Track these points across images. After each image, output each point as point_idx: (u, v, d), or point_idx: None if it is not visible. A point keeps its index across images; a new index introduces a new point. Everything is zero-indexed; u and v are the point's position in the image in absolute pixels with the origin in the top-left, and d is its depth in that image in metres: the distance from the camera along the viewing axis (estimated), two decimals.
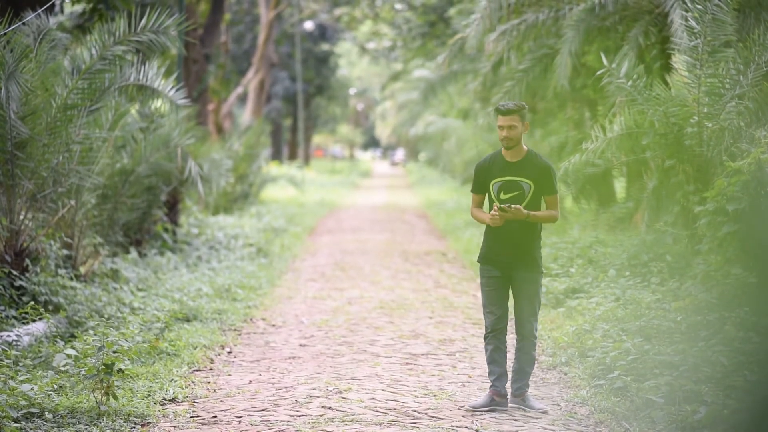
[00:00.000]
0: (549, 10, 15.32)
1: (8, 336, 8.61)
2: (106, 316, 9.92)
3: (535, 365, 8.44)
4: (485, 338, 7.37)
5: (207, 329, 10.22)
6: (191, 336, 9.71)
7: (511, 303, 7.39)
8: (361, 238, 21.45)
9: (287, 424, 6.80)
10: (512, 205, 7.12)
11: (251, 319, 11.20)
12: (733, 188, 8.37)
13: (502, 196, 7.24)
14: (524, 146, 7.29)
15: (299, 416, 7.03)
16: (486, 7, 15.45)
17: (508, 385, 7.42)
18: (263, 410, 7.21)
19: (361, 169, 70.27)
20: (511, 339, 7.68)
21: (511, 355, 7.62)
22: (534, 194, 7.23)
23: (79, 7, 18.79)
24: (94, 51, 10.81)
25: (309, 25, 53.79)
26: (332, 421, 6.87)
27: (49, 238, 11.19)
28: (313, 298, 12.83)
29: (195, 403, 7.41)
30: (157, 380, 7.93)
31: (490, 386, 7.31)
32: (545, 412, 7.17)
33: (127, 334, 8.94)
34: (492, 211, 7.23)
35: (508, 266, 7.27)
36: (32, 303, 9.38)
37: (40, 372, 7.83)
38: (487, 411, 7.20)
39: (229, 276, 13.74)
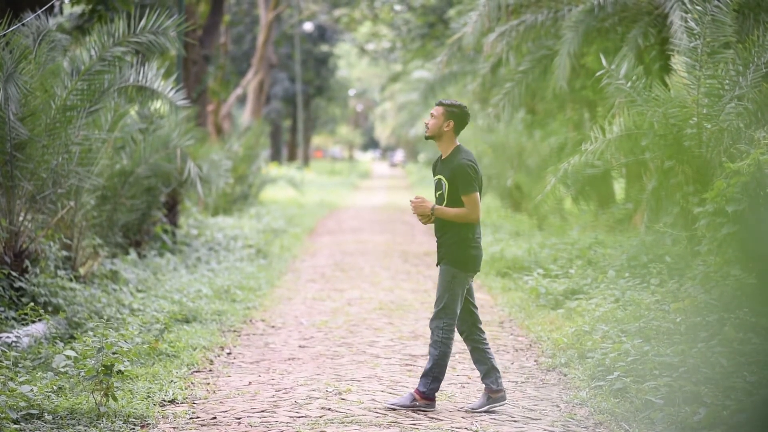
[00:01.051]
0: (548, 11, 15.32)
1: (8, 337, 8.61)
2: (105, 317, 9.92)
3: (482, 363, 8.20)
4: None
5: (206, 330, 10.21)
6: (191, 337, 9.71)
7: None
8: (361, 238, 21.45)
9: (287, 426, 6.80)
10: (415, 200, 7.27)
11: (251, 321, 11.19)
12: (732, 189, 8.36)
13: (436, 195, 7.37)
14: (455, 143, 7.35)
15: (299, 417, 7.03)
16: (485, 4, 15.47)
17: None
18: (263, 411, 7.21)
19: (361, 170, 70.25)
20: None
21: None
22: (450, 192, 7.26)
23: (78, 9, 18.78)
24: (93, 52, 10.80)
25: (308, 27, 53.76)
26: (332, 423, 6.87)
27: (49, 240, 11.18)
28: (313, 299, 12.83)
29: (194, 405, 7.41)
30: (156, 381, 7.93)
31: (484, 386, 7.33)
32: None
33: (127, 336, 8.94)
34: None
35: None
36: (32, 304, 9.37)
37: (39, 373, 7.82)
38: (486, 411, 7.20)
39: (229, 277, 13.73)
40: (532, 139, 21.84)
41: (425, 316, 11.45)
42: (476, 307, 7.40)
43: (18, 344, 8.59)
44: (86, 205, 12.11)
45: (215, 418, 7.03)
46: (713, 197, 8.60)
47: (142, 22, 10.83)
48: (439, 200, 7.30)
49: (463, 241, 7.23)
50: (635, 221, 13.09)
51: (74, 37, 16.45)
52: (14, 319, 9.41)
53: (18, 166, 10.27)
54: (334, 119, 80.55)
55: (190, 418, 7.01)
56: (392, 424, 6.84)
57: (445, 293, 7.23)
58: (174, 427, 6.79)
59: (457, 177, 7.21)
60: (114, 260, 12.74)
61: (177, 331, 9.98)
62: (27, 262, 10.30)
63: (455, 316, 7.24)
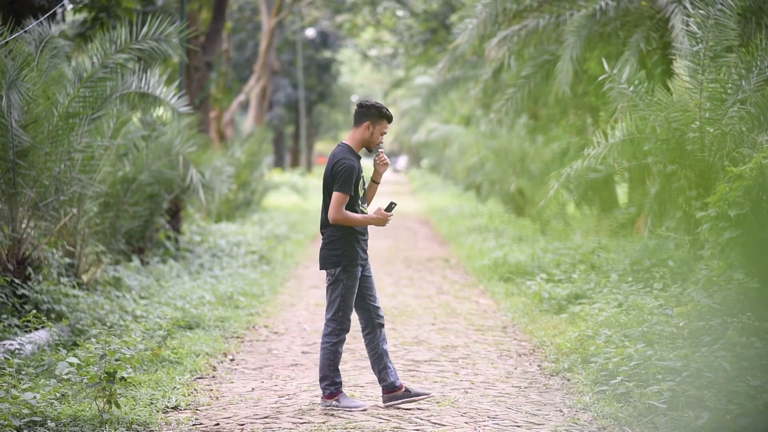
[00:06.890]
0: (550, 16, 15.34)
1: (11, 344, 8.61)
2: (108, 324, 9.92)
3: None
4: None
5: (209, 337, 10.21)
6: (194, 344, 9.71)
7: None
8: None
9: None
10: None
11: (254, 327, 11.19)
12: (735, 193, 8.37)
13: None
14: None
15: (302, 423, 7.03)
16: (481, 11, 15.50)
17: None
18: (266, 418, 7.20)
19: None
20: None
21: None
22: None
23: (80, 16, 18.80)
24: (95, 59, 10.82)
25: (311, 33, 53.83)
26: (335, 429, 6.86)
27: (52, 247, 11.19)
28: (316, 305, 12.82)
29: (198, 411, 7.40)
30: (159, 388, 7.92)
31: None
32: (365, 410, 7.39)
33: (130, 342, 8.92)
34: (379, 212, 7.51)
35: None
36: (34, 311, 9.37)
37: (42, 380, 7.82)
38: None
39: (232, 283, 13.73)
40: (534, 144, 21.85)
41: (428, 321, 11.45)
42: None
43: (21, 351, 8.59)
44: (89, 212, 12.11)
45: (218, 424, 7.03)
46: (716, 201, 8.60)
47: (144, 29, 10.85)
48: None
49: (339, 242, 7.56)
50: (638, 225, 13.09)
51: (77, 44, 16.45)
52: (17, 326, 9.41)
53: (20, 174, 10.28)
54: (337, 125, 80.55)
55: (193, 425, 7.01)
56: (395, 429, 6.84)
57: (331, 293, 7.57)
58: None
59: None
60: (117, 267, 12.74)
61: (180, 338, 9.98)
62: (30, 270, 10.30)
63: None
